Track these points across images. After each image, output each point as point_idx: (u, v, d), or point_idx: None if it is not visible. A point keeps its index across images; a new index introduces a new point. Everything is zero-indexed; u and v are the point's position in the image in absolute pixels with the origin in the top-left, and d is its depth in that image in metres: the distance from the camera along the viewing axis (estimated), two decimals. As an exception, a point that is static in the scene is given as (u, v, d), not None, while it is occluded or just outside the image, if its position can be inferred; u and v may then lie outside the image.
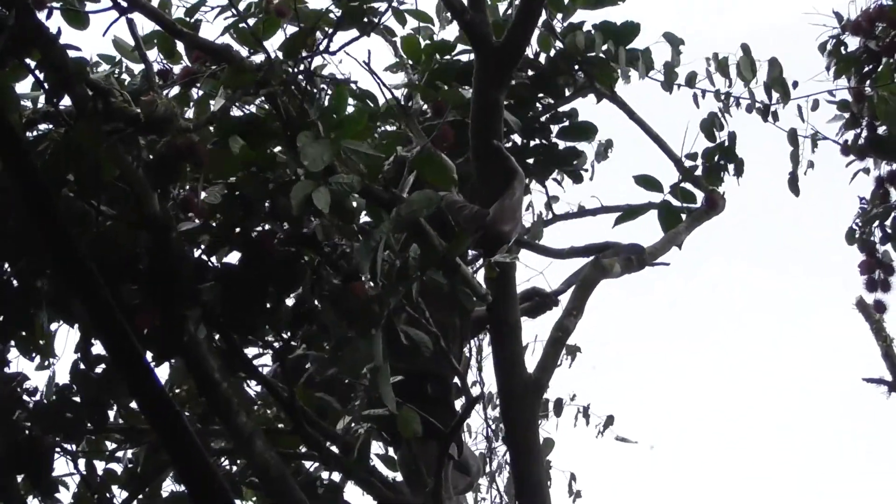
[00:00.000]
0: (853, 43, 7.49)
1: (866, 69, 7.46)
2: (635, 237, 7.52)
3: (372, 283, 4.70)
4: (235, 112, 4.93)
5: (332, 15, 5.28)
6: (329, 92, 5.21)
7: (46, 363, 5.45)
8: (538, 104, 7.42)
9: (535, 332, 7.17)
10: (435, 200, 4.74)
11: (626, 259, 7.02)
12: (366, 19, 5.37)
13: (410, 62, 7.19)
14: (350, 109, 5.15)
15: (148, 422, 4.85)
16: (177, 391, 5.68)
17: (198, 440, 4.29)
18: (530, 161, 7.35)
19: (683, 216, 7.67)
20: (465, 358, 5.76)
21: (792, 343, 17.97)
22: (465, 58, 7.08)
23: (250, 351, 5.37)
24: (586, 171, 7.72)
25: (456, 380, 5.60)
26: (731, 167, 7.91)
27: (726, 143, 7.93)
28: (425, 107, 6.90)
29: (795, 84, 7.93)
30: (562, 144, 7.42)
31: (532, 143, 7.41)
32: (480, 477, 8.24)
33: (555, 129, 7.41)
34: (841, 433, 16.23)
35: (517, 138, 7.24)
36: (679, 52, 7.90)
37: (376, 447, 5.78)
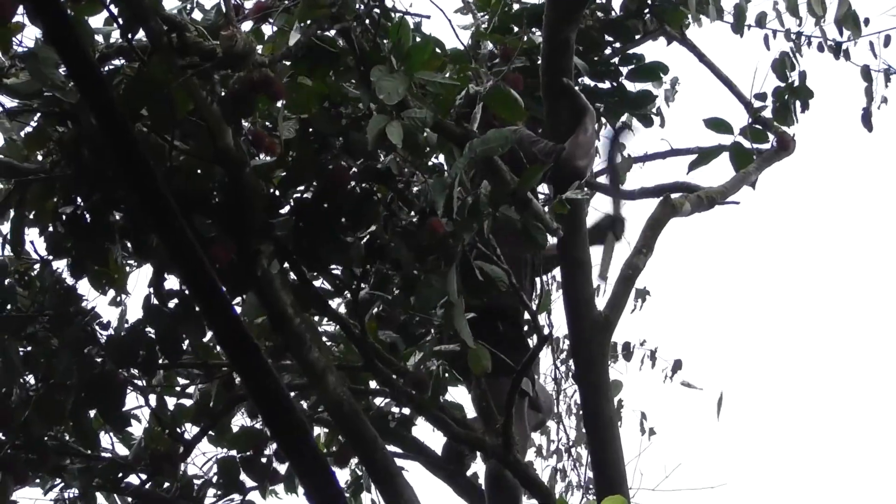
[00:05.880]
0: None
1: (941, 0, 7.37)
2: (706, 179, 7.47)
3: (446, 220, 4.67)
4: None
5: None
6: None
7: (118, 299, 5.49)
8: (608, 47, 7.36)
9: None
10: (510, 139, 4.68)
11: (696, 198, 6.95)
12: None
13: (478, 4, 7.15)
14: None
15: (224, 353, 4.87)
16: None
17: (275, 372, 4.31)
18: (600, 105, 7.29)
19: (754, 157, 7.61)
20: (537, 292, 5.73)
21: (863, 283, 17.71)
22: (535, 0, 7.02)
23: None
24: (656, 115, 7.66)
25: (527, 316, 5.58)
26: (800, 106, 7.83)
27: (797, 84, 7.85)
28: (493, 49, 6.87)
29: (867, 21, 7.86)
30: (632, 87, 7.35)
31: (602, 87, 7.34)
32: (551, 415, 8.28)
33: (624, 70, 7.34)
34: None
35: (588, 81, 7.17)
36: (749, -3, 7.85)
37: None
